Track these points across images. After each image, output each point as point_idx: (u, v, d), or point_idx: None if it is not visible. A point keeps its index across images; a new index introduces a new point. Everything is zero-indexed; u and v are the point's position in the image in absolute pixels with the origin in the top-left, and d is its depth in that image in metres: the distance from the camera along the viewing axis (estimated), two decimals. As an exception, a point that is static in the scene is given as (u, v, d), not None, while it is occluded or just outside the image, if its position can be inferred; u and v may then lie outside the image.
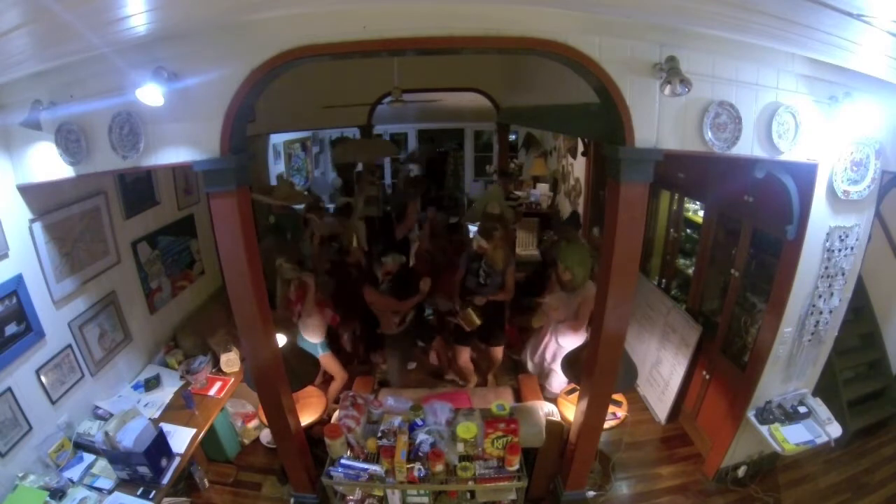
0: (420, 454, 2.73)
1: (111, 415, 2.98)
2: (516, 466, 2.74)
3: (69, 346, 2.98)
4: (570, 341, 3.64)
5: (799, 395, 3.13)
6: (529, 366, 4.16)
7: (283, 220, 5.69)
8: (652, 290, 4.53)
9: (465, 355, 4.31)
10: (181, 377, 3.53)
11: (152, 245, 3.78)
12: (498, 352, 4.32)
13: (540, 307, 3.92)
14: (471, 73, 6.15)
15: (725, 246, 3.71)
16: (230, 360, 3.70)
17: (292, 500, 3.33)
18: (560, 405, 3.51)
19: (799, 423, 3.04)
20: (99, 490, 2.69)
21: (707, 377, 3.76)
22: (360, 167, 7.53)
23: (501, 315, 4.17)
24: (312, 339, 3.86)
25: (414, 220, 5.86)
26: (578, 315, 3.65)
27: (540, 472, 3.24)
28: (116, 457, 2.68)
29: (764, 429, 3.02)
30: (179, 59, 2.14)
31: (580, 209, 6.91)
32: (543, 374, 4.04)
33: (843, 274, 2.86)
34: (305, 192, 7.09)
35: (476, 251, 4.07)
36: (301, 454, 3.17)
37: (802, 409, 3.08)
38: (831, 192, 2.62)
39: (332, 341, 4.25)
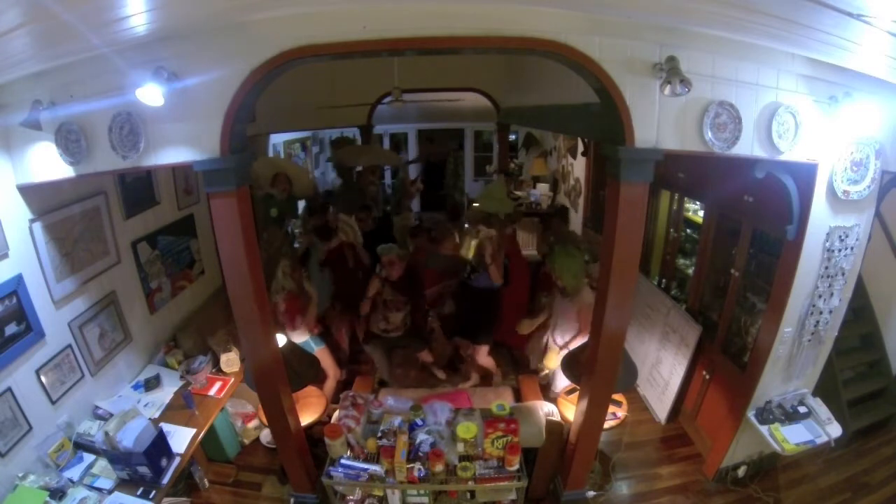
0: (420, 454, 2.73)
1: (111, 415, 2.98)
2: (516, 466, 2.74)
3: (69, 346, 2.98)
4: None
5: (799, 395, 3.13)
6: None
7: (283, 206, 5.32)
8: (652, 290, 4.53)
9: (484, 352, 4.27)
10: (181, 377, 3.53)
11: (152, 245, 3.77)
12: (482, 350, 4.23)
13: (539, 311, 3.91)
14: (471, 73, 6.15)
15: (725, 246, 3.71)
16: (230, 360, 3.70)
17: (292, 500, 3.33)
18: (560, 405, 3.50)
19: (799, 423, 3.04)
20: (99, 490, 2.69)
21: (707, 377, 3.75)
22: (360, 167, 7.50)
23: (488, 311, 4.13)
24: (298, 339, 3.70)
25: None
26: (579, 324, 3.60)
27: (540, 472, 3.24)
28: (116, 457, 2.68)
29: (764, 429, 3.02)
30: (179, 59, 2.14)
31: (580, 209, 6.90)
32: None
33: (843, 274, 2.86)
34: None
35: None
36: (301, 454, 3.17)
37: (802, 409, 3.08)
38: (831, 192, 2.62)
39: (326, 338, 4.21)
